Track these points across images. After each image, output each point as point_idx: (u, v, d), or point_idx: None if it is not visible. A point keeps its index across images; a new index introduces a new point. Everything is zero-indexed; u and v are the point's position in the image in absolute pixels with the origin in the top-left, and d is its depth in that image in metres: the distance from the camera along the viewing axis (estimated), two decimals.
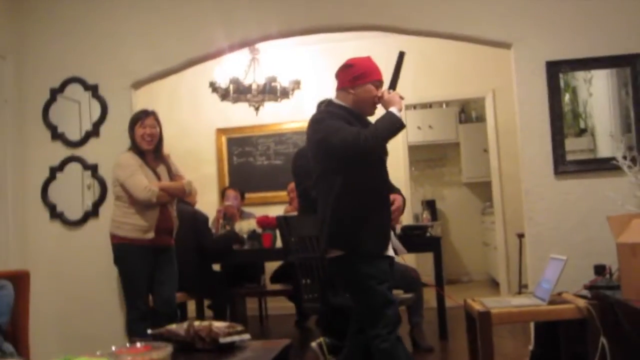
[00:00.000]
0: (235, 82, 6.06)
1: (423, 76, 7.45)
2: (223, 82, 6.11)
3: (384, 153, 3.29)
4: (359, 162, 3.12)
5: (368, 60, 3.35)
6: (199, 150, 7.54)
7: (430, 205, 9.52)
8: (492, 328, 3.32)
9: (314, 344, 4.31)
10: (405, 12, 4.79)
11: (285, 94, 6.27)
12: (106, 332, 4.70)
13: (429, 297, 5.98)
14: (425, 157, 10.01)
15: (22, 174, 5.07)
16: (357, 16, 4.86)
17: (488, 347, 3.31)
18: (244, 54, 6.25)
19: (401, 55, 3.34)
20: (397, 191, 3.59)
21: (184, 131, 7.40)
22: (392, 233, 3.35)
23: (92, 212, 5.02)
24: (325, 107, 3.36)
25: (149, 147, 4.38)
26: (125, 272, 4.34)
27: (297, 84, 6.30)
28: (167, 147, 4.61)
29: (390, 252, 3.29)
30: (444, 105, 9.72)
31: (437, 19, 4.76)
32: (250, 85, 6.11)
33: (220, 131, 7.57)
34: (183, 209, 4.89)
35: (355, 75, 3.24)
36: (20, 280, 3.30)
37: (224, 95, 6.15)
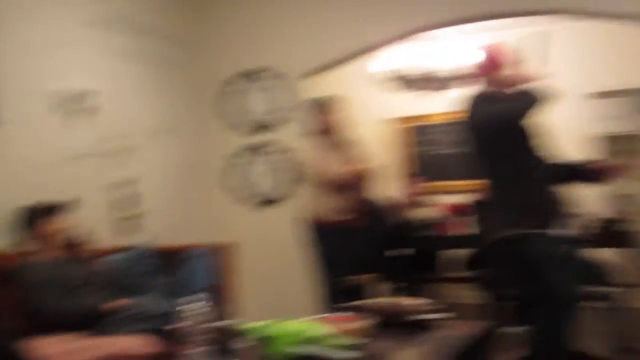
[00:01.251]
0: (398, 72, 6.00)
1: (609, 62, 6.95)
2: (406, 71, 6.06)
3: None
4: (517, 139, 3.29)
5: (499, 46, 3.51)
6: (384, 138, 7.59)
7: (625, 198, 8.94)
8: None
9: (510, 331, 4.19)
10: None
11: (466, 82, 6.13)
12: (304, 304, 4.84)
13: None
14: (621, 148, 9.37)
15: (214, 158, 5.37)
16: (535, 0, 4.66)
17: None
18: (409, 44, 6.17)
19: (543, 38, 3.70)
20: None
21: (369, 119, 7.47)
22: None
23: (282, 195, 5.21)
24: (477, 93, 3.49)
25: (337, 133, 4.48)
26: (321, 251, 4.46)
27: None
28: (351, 134, 4.69)
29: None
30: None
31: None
32: (436, 73, 6.02)
33: (405, 119, 7.57)
34: (370, 195, 4.95)
35: (491, 62, 3.44)
36: (223, 251, 3.52)
37: (408, 84, 6.11)
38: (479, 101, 3.45)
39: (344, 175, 4.31)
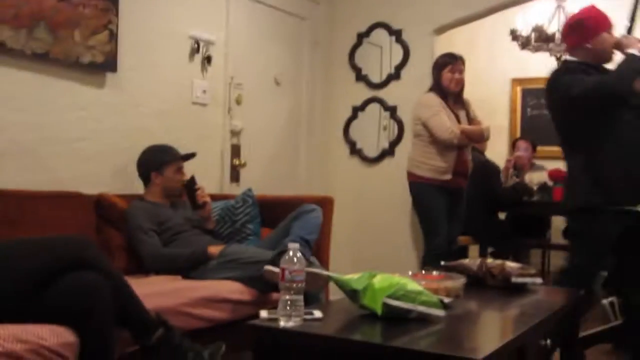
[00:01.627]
0: (537, 30, 5.86)
1: None
2: (525, 30, 5.94)
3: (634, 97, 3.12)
4: (607, 113, 3.06)
5: (594, 9, 3.30)
6: (492, 100, 7.44)
7: None
8: None
9: (605, 302, 4.14)
10: None
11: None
12: (397, 261, 4.96)
13: None
14: None
15: (329, 112, 5.46)
16: None
17: None
18: (550, 2, 6.01)
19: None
20: None
21: (479, 79, 7.31)
22: None
23: (389, 151, 5.27)
24: (562, 65, 3.31)
25: (455, 90, 4.47)
26: (425, 210, 4.51)
27: None
28: (466, 94, 4.66)
29: None
30: None
31: None
32: (553, 34, 5.87)
33: (516, 81, 7.40)
34: (475, 156, 4.92)
35: (588, 29, 3.21)
36: (326, 205, 3.61)
37: (525, 43, 5.98)
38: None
39: (457, 134, 4.31)
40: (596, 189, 3.14)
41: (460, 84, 4.49)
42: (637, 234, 3.16)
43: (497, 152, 6.58)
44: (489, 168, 5.40)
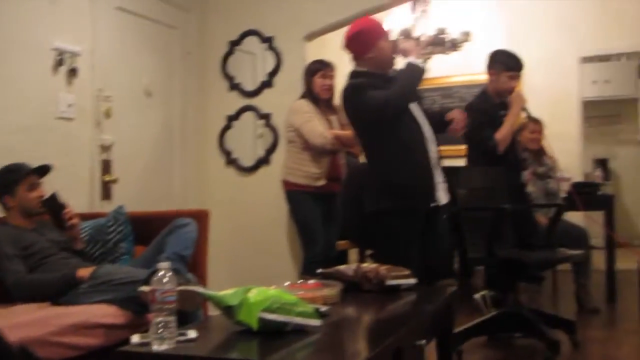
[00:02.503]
0: (404, 33, 6.01)
1: (600, 25, 7.07)
2: (392, 34, 6.08)
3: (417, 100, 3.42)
4: (391, 121, 3.27)
5: (369, 20, 3.53)
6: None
7: (602, 164, 9.06)
8: None
9: (477, 296, 4.32)
10: None
11: (454, 46, 6.16)
12: (275, 271, 4.94)
13: (598, 260, 5.74)
14: (600, 113, 9.49)
15: (203, 122, 5.37)
16: None
17: None
18: (414, 5, 6.19)
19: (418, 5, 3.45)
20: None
21: None
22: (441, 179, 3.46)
23: (265, 160, 5.23)
24: (350, 78, 3.46)
25: (326, 97, 4.51)
26: (301, 218, 4.52)
27: (466, 36, 6.17)
28: (336, 100, 4.70)
29: (438, 201, 3.40)
30: (624, 59, 9.12)
31: None
32: (419, 37, 6.05)
33: None
34: (349, 160, 4.98)
35: (366, 40, 3.38)
36: (201, 219, 3.53)
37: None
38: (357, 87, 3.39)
39: (330, 139, 4.33)
40: (385, 192, 3.35)
41: (331, 89, 4.54)
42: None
43: None
44: (364, 172, 5.47)
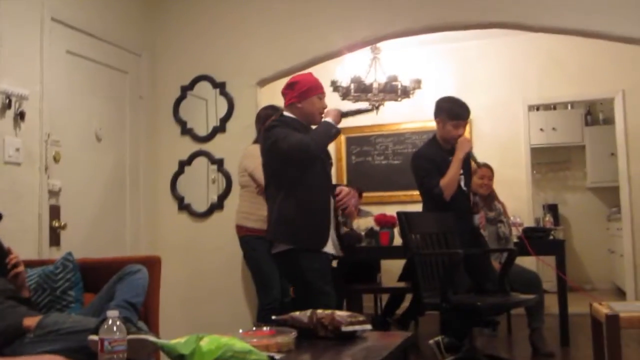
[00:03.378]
0: (356, 81, 6.12)
1: (547, 76, 7.29)
2: (344, 81, 6.18)
3: (326, 157, 3.64)
4: (303, 165, 3.47)
5: (310, 76, 3.72)
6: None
7: (552, 209, 9.23)
8: (620, 332, 3.20)
9: (431, 342, 4.32)
10: (531, 8, 4.69)
11: (405, 93, 6.27)
12: (231, 318, 4.89)
13: (550, 304, 5.82)
14: (548, 160, 9.72)
15: (154, 167, 5.34)
16: (480, 13, 4.81)
17: (615, 353, 3.19)
18: (365, 53, 6.30)
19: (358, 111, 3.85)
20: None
21: None
22: (333, 233, 3.61)
23: (217, 205, 5.22)
24: (278, 117, 3.65)
25: None
26: (255, 264, 4.48)
27: (417, 83, 6.28)
28: None
29: (329, 250, 3.56)
30: (569, 107, 9.43)
31: (564, 15, 4.63)
32: (371, 85, 6.15)
33: (345, 130, 7.64)
34: None
35: (301, 90, 3.60)
36: (152, 265, 3.48)
37: (345, 94, 6.21)
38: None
39: None
40: (288, 231, 3.50)
41: None
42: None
43: None
44: None
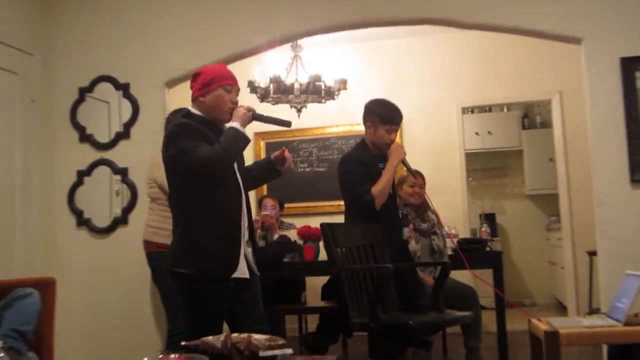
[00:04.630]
0: (276, 81, 6.11)
1: (482, 77, 7.45)
2: (262, 82, 6.17)
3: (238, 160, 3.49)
4: (210, 183, 3.30)
5: (219, 67, 3.60)
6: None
7: (489, 219, 9.43)
8: (560, 350, 3.28)
9: None
10: (463, 4, 4.80)
11: (330, 94, 6.29)
12: (138, 345, 4.80)
13: (488, 321, 5.93)
14: (484, 166, 9.94)
15: (49, 178, 5.22)
16: (409, 9, 4.90)
17: None
18: (285, 52, 6.31)
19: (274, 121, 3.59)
20: None
21: None
22: (248, 250, 3.46)
23: (121, 220, 5.14)
24: (182, 117, 3.49)
25: None
26: (165, 284, 4.38)
27: (343, 84, 6.32)
28: None
29: (242, 274, 3.37)
30: (505, 109, 9.67)
31: (499, 12, 4.76)
32: (292, 85, 6.15)
33: (258, 135, 7.63)
34: None
35: (204, 82, 3.42)
36: (46, 288, 3.39)
37: (264, 95, 6.20)
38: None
39: None
40: (192, 255, 3.31)
41: None
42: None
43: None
44: None
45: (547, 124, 9.11)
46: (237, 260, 3.35)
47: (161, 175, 4.36)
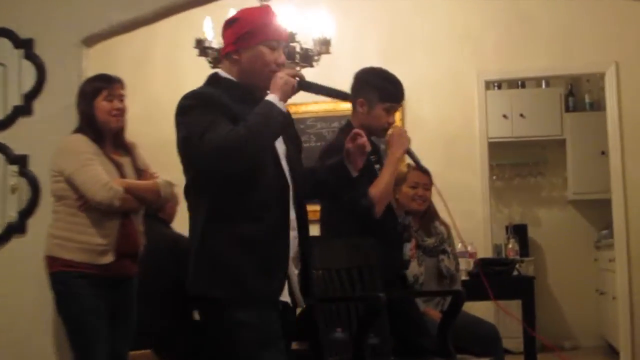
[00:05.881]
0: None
1: (512, 41, 7.43)
2: (216, 40, 6.10)
3: (287, 142, 3.38)
4: (236, 180, 3.18)
5: (261, 10, 3.44)
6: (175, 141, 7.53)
7: (519, 232, 9.43)
8: None
9: None
10: None
11: (307, 59, 6.24)
12: None
13: None
14: (514, 160, 9.97)
15: None
16: None
17: None
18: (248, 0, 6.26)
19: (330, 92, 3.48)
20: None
21: (156, 112, 7.40)
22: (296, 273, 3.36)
23: (19, 227, 5.12)
24: (206, 82, 3.39)
25: (114, 128, 4.42)
26: (73, 315, 4.36)
27: (325, 46, 6.27)
28: (130, 134, 4.64)
29: (285, 298, 3.29)
30: (544, 84, 9.69)
31: None
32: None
33: None
34: (153, 228, 4.88)
35: (240, 33, 3.27)
36: None
37: (217, 59, 6.13)
38: None
39: (120, 193, 4.24)
40: (216, 274, 3.21)
41: (122, 117, 4.45)
42: None
43: (186, 218, 6.57)
44: (180, 247, 5.38)
45: (598, 106, 9.14)
46: (282, 278, 3.25)
47: (70, 166, 4.32)
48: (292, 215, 3.31)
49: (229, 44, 3.31)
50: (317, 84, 3.39)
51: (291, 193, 3.32)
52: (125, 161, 4.51)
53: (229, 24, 3.32)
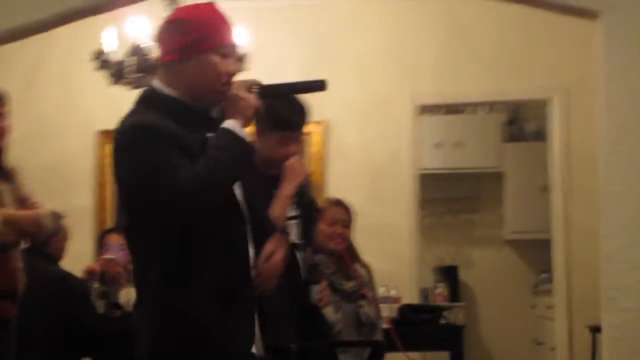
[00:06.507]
0: (137, 52, 6.04)
1: (451, 61, 7.52)
2: (118, 52, 6.10)
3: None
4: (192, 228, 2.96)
5: (209, 8, 3.07)
6: (68, 165, 7.49)
7: (449, 275, 9.51)
8: None
9: None
10: None
11: None
12: None
13: None
14: (446, 194, 10.05)
15: None
16: None
17: None
18: (156, 6, 6.26)
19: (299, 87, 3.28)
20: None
21: (45, 132, 7.36)
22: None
23: None
24: (140, 99, 3.09)
25: None
26: None
27: (239, 61, 6.31)
28: (15, 157, 4.64)
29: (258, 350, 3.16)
30: (483, 111, 9.79)
31: None
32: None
33: (105, 134, 7.51)
34: (38, 265, 4.87)
35: (187, 38, 2.97)
36: None
37: (118, 73, 6.11)
38: None
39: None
40: (165, 334, 3.00)
41: (5, 136, 4.45)
42: None
43: (78, 253, 6.53)
44: (69, 286, 5.36)
45: (541, 135, 9.12)
46: (248, 334, 3.06)
47: None
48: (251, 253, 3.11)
49: (171, 51, 2.99)
50: (280, 84, 3.12)
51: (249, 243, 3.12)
52: (4, 188, 4.48)
53: (170, 26, 3.04)
